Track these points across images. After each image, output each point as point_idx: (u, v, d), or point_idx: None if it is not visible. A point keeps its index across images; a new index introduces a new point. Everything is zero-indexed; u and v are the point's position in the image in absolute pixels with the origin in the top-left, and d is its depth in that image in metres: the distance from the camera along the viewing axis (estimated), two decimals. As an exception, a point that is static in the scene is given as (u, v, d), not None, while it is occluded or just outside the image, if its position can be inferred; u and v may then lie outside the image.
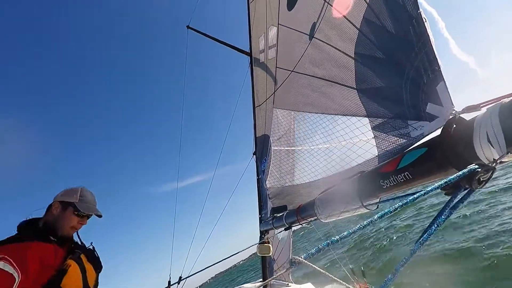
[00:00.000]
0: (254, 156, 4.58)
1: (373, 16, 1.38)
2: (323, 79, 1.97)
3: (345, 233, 1.04)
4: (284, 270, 1.21)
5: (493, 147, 0.87)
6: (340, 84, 1.71)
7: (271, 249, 3.80)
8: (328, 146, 1.87)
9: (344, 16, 1.64)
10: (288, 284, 4.19)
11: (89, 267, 1.72)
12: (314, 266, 1.17)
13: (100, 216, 1.90)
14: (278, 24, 3.68)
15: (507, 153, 0.84)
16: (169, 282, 3.68)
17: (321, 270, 1.29)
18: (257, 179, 4.32)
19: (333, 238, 1.02)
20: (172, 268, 3.79)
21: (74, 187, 1.87)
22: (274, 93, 3.74)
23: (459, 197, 0.97)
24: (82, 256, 1.73)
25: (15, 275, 1.33)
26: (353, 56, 1.58)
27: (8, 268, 1.33)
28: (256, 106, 4.72)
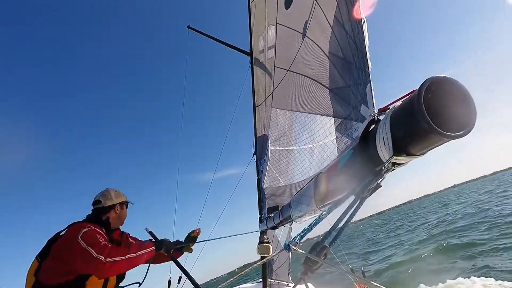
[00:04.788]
0: (255, 156, 4.57)
1: (339, 16, 1.36)
2: (310, 78, 1.95)
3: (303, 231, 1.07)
4: (278, 251, 1.24)
5: (386, 150, 0.88)
6: (320, 83, 1.69)
7: (271, 249, 3.80)
8: (311, 146, 1.85)
9: (324, 15, 1.62)
10: (288, 284, 4.18)
11: None
12: (303, 252, 1.18)
13: (132, 203, 2.56)
14: (276, 23, 3.66)
15: (393, 155, 0.85)
16: (169, 282, 3.69)
17: (316, 258, 1.28)
18: (257, 179, 4.31)
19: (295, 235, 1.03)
20: (172, 268, 3.80)
21: (108, 189, 2.41)
22: (272, 92, 3.73)
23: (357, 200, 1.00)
24: None
25: (103, 231, 2.12)
26: (327, 55, 1.57)
27: (99, 230, 2.10)
28: (256, 106, 4.71)
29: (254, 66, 4.83)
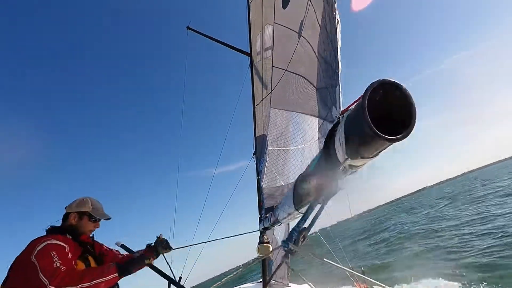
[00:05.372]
0: (254, 156, 4.57)
1: (325, 15, 1.35)
2: (304, 78, 1.94)
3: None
4: (277, 249, 1.25)
5: (341, 153, 0.88)
6: (311, 83, 1.68)
7: (271, 249, 3.79)
8: (303, 146, 1.84)
9: (315, 14, 1.60)
10: (288, 284, 4.17)
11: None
12: (310, 253, 1.20)
13: (109, 219, 2.34)
14: (274, 22, 3.64)
15: (347, 158, 0.85)
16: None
17: (315, 256, 1.30)
18: (257, 179, 4.30)
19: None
20: (172, 268, 3.80)
21: (84, 197, 2.26)
22: (270, 92, 3.72)
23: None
24: (90, 258, 2.15)
25: (65, 245, 1.93)
26: (316, 54, 1.56)
27: (59, 242, 1.92)
28: (256, 105, 4.71)
29: (253, 66, 4.83)
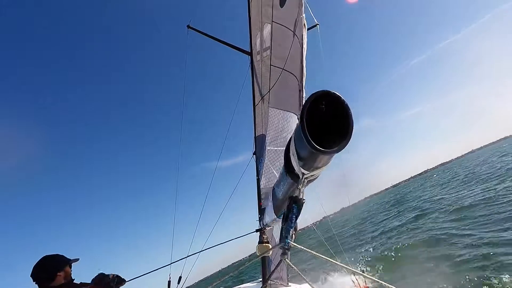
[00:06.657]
0: (254, 156, 4.55)
1: (303, 17, 1.33)
2: (296, 77, 1.92)
3: None
4: (276, 247, 1.26)
5: (296, 165, 0.87)
6: (298, 83, 1.66)
7: (270, 247, 3.78)
8: None
9: (304, 14, 1.59)
10: (288, 284, 4.16)
11: None
12: (308, 250, 1.20)
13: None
14: (272, 21, 3.62)
15: (303, 172, 0.83)
16: (169, 282, 3.72)
17: (314, 253, 1.31)
18: (257, 179, 4.29)
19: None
20: (172, 268, 3.82)
21: (46, 260, 2.29)
22: (269, 92, 3.69)
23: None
24: None
25: None
26: (302, 54, 1.54)
27: None
28: (255, 105, 4.68)
29: (253, 65, 4.80)
